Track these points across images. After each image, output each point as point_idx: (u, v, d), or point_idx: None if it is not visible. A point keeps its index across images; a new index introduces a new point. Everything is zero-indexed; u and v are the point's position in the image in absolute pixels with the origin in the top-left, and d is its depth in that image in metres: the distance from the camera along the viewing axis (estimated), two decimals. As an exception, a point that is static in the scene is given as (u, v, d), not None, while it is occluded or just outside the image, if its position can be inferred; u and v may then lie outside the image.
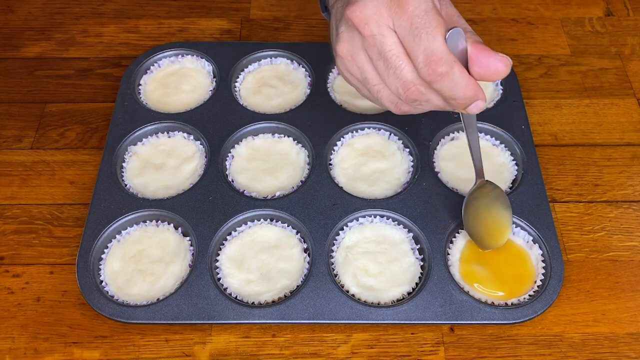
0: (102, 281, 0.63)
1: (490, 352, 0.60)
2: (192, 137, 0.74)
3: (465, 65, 0.50)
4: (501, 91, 0.77)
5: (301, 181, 0.70)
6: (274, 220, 0.67)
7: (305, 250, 0.65)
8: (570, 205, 0.70)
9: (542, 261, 0.64)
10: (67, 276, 0.65)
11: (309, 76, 0.79)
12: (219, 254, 0.65)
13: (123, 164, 0.72)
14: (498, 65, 0.49)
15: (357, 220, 0.66)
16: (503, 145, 0.73)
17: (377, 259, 0.64)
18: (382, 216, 0.67)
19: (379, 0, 0.49)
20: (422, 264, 0.64)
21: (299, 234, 0.66)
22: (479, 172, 0.62)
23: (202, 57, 0.81)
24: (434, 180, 0.69)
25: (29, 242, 0.67)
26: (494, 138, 0.73)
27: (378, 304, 0.61)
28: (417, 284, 0.63)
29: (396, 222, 0.66)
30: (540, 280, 0.62)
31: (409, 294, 0.62)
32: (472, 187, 0.63)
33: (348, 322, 0.60)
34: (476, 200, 0.63)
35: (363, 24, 0.49)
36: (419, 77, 0.49)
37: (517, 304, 0.61)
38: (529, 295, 0.62)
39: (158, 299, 0.61)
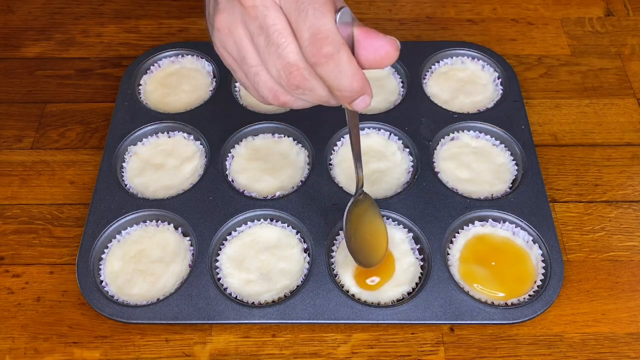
0: (102, 281, 0.63)
1: (490, 352, 0.60)
2: (192, 137, 0.74)
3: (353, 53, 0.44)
4: (501, 91, 0.78)
5: (301, 181, 0.70)
6: (274, 220, 0.67)
7: (305, 250, 0.65)
8: (570, 205, 0.70)
9: (542, 261, 0.64)
10: (67, 276, 0.65)
11: (309, 76, 0.79)
12: (219, 254, 0.65)
13: (123, 164, 0.72)
14: (388, 48, 0.43)
15: (357, 220, 0.66)
16: (503, 145, 0.73)
17: (377, 259, 0.64)
18: (382, 216, 0.66)
19: None
20: (422, 264, 0.64)
21: (299, 234, 0.66)
22: (359, 180, 0.58)
23: (202, 57, 0.81)
24: (434, 180, 0.69)
25: (29, 242, 0.67)
26: (494, 138, 0.73)
27: (378, 304, 0.61)
28: (417, 284, 0.63)
29: (396, 222, 0.66)
30: (540, 280, 0.62)
31: (409, 294, 0.62)
32: (351, 201, 0.58)
33: (348, 322, 0.60)
34: (358, 216, 0.59)
35: None
36: (303, 58, 0.43)
37: (517, 304, 0.61)
38: (529, 295, 0.62)
39: (158, 299, 0.61)
